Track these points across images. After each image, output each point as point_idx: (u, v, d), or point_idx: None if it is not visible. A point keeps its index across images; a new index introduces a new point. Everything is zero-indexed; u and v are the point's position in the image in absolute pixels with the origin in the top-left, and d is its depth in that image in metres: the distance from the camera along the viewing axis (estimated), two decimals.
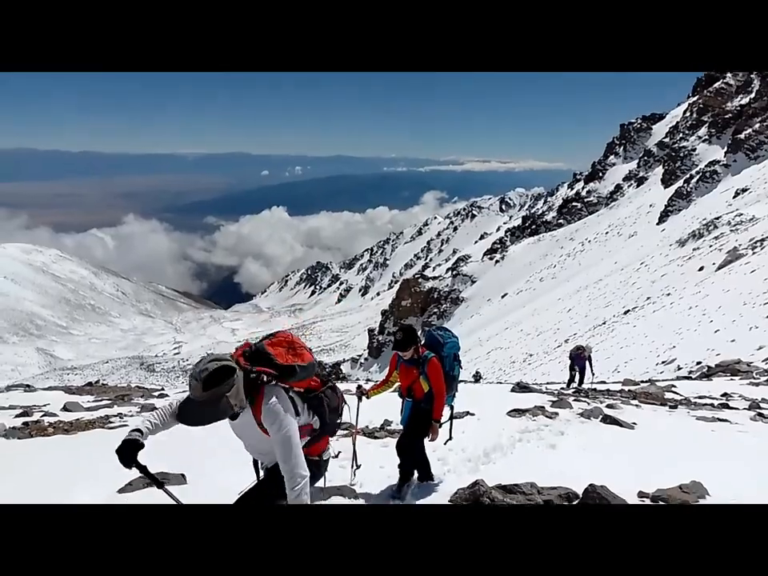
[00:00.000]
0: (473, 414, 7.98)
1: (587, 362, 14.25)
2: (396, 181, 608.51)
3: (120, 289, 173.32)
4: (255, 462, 3.14)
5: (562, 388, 13.08)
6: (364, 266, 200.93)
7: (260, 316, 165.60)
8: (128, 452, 2.52)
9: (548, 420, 7.20)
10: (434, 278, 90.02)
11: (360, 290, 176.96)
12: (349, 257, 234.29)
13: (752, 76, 79.00)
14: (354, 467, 4.87)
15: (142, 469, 2.55)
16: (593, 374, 14.75)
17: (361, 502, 4.42)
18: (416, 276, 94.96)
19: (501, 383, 17.45)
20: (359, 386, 4.78)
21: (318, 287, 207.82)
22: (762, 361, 16.87)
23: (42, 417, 8.37)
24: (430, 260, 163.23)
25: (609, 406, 8.27)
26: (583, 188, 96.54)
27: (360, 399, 4.74)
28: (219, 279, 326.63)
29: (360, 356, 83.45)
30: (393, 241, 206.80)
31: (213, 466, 5.78)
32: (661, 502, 3.80)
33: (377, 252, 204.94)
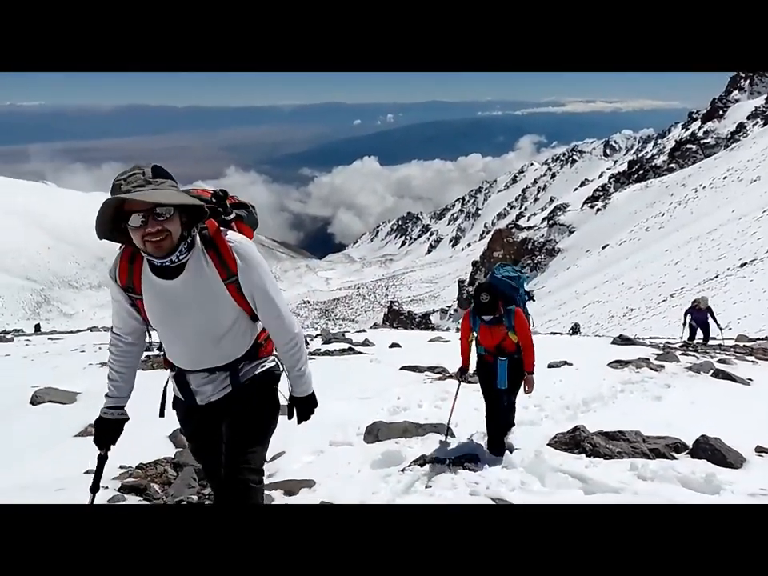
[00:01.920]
0: (570, 364, 7.80)
1: (709, 315, 12.94)
2: (490, 126, 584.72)
3: None
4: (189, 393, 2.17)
5: (681, 345, 12.20)
6: (455, 216, 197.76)
7: (352, 266, 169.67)
8: (110, 434, 2.14)
9: (653, 372, 6.88)
10: (529, 227, 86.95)
11: (450, 241, 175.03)
12: (439, 207, 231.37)
13: None
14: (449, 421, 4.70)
15: (102, 461, 2.14)
16: (720, 328, 13.33)
17: (455, 441, 4.53)
18: (509, 226, 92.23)
19: (599, 336, 16.81)
20: (463, 371, 4.52)
21: (408, 238, 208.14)
22: None
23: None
24: (525, 209, 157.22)
25: (721, 361, 7.74)
26: (700, 128, 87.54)
27: (460, 379, 4.61)
28: (314, 230, 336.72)
29: (449, 307, 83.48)
30: (485, 189, 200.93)
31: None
32: None
33: (468, 201, 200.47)
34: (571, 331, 24.81)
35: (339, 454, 4.33)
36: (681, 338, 13.61)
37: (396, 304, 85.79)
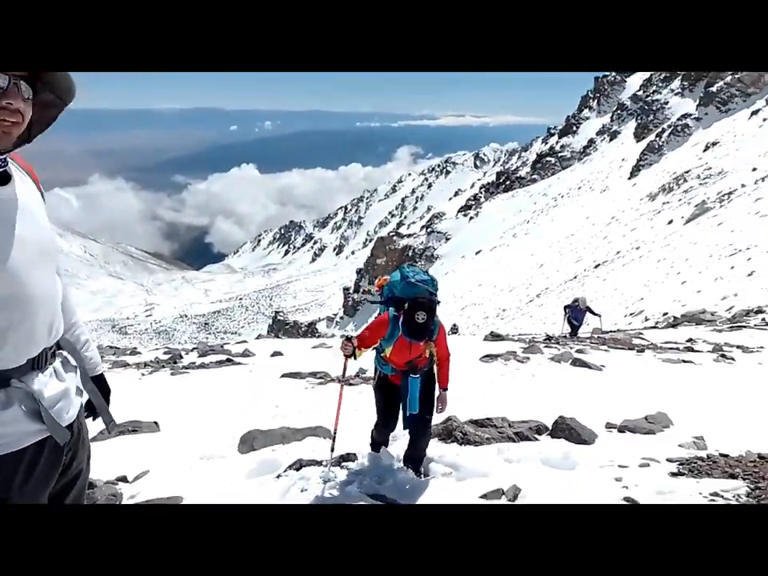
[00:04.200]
0: None
1: (588, 313, 14.25)
2: (370, 136, 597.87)
3: (87, 250, 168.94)
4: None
5: (564, 336, 13.15)
6: (338, 224, 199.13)
7: (233, 276, 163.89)
8: None
9: (519, 364, 7.34)
10: (409, 235, 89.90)
11: (334, 249, 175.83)
12: (323, 215, 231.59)
13: None
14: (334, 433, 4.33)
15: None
16: (599, 316, 14.77)
17: (335, 442, 4.45)
18: (391, 234, 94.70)
19: (474, 335, 17.72)
20: (348, 338, 3.56)
21: (291, 246, 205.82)
22: (726, 310, 17.41)
23: None
24: (405, 217, 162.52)
25: (578, 351, 8.47)
26: (557, 142, 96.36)
27: (348, 358, 3.63)
28: (190, 239, 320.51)
29: (335, 315, 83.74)
30: (367, 198, 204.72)
31: (183, 415, 5.77)
32: (627, 432, 3.92)
33: (351, 210, 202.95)
34: (450, 332, 25.96)
35: (211, 467, 4.07)
36: (561, 333, 14.72)
37: (281, 314, 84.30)
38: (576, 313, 14.06)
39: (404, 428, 3.61)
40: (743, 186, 38.77)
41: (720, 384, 5.97)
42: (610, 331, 14.91)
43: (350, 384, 6.87)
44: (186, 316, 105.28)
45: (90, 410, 1.78)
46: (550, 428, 4.01)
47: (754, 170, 42.28)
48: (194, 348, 14.59)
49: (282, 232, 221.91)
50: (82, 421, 1.63)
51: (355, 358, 3.60)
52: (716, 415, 4.51)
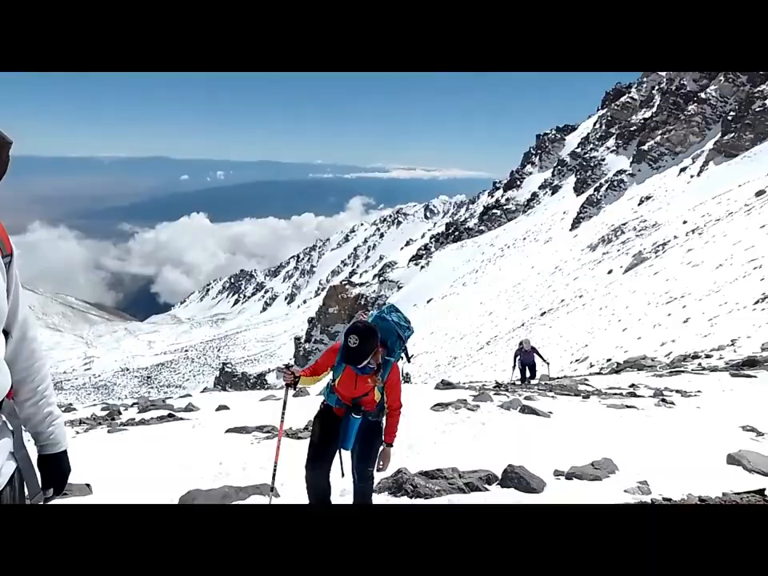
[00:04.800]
0: None
1: (535, 354, 14.48)
2: (322, 187, 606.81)
3: None
4: None
5: (513, 383, 13.27)
6: (290, 273, 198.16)
7: (179, 327, 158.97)
8: None
9: (470, 412, 7.33)
10: (361, 284, 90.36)
11: (286, 298, 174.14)
12: (274, 264, 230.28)
13: (653, 92, 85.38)
14: (275, 469, 4.34)
15: None
16: (547, 363, 14.96)
17: (282, 501, 4.27)
18: (343, 283, 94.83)
19: (425, 384, 17.68)
20: (287, 366, 3.51)
21: (241, 296, 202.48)
22: (665, 355, 18.10)
23: None
24: (357, 266, 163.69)
25: (527, 398, 8.56)
26: (502, 196, 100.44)
27: (289, 386, 3.52)
28: (135, 289, 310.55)
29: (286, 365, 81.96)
30: (319, 248, 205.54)
31: (119, 476, 5.42)
32: (575, 479, 3.93)
33: (303, 259, 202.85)
34: (403, 380, 25.84)
35: None
36: (511, 380, 14.86)
37: (229, 365, 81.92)
38: (524, 356, 14.31)
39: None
40: (675, 237, 41.28)
41: (661, 428, 6.13)
42: (557, 378, 15.21)
43: (299, 438, 6.67)
44: (128, 369, 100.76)
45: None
46: (500, 477, 3.98)
47: (685, 222, 45.18)
48: (135, 403, 13.89)
49: (232, 281, 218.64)
50: (16, 487, 1.50)
51: (294, 388, 3.49)
52: (658, 459, 4.60)
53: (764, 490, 3.22)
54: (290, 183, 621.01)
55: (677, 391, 9.07)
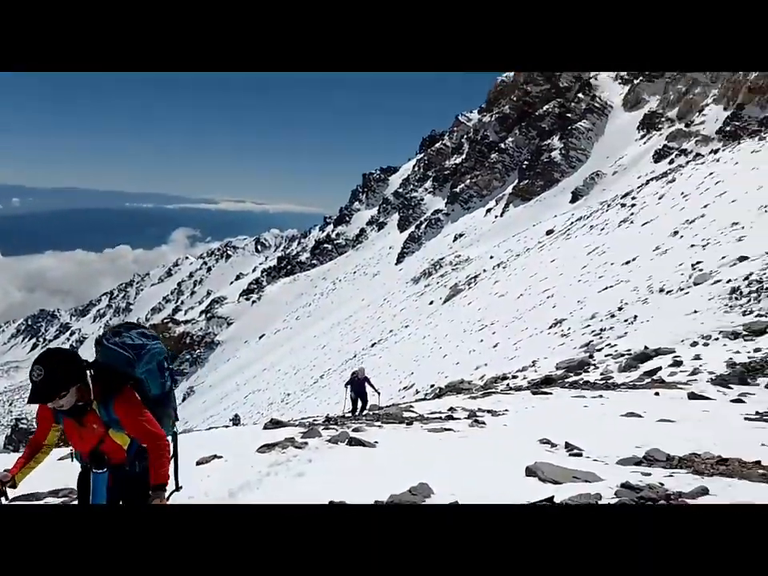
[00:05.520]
0: (220, 457, 7.51)
1: (366, 384, 14.71)
2: (141, 217, 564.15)
3: None
4: None
5: (343, 416, 13.24)
6: (102, 312, 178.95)
7: None
8: None
9: (297, 450, 7.15)
10: (187, 321, 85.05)
11: None
12: (82, 302, 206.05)
13: (463, 140, 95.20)
14: None
15: None
16: (378, 393, 15.29)
17: None
18: (165, 321, 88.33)
19: (255, 424, 17.02)
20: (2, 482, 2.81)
21: (41, 339, 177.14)
22: (479, 378, 19.78)
23: None
24: (182, 303, 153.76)
25: (355, 430, 8.63)
26: (333, 231, 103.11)
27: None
28: None
29: None
30: (137, 283, 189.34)
31: None
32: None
33: (117, 296, 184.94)
34: (231, 423, 24.56)
35: None
36: (343, 412, 14.90)
37: (23, 421, 70.50)
38: (356, 387, 14.60)
39: None
40: (485, 270, 45.98)
41: (473, 447, 6.59)
42: (386, 406, 15.73)
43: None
44: None
45: None
46: None
47: (492, 257, 50.63)
48: None
49: (30, 323, 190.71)
50: None
51: (15, 486, 2.84)
52: (469, 477, 4.91)
53: (553, 497, 3.59)
54: (102, 212, 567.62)
55: (488, 411, 9.89)
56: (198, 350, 76.37)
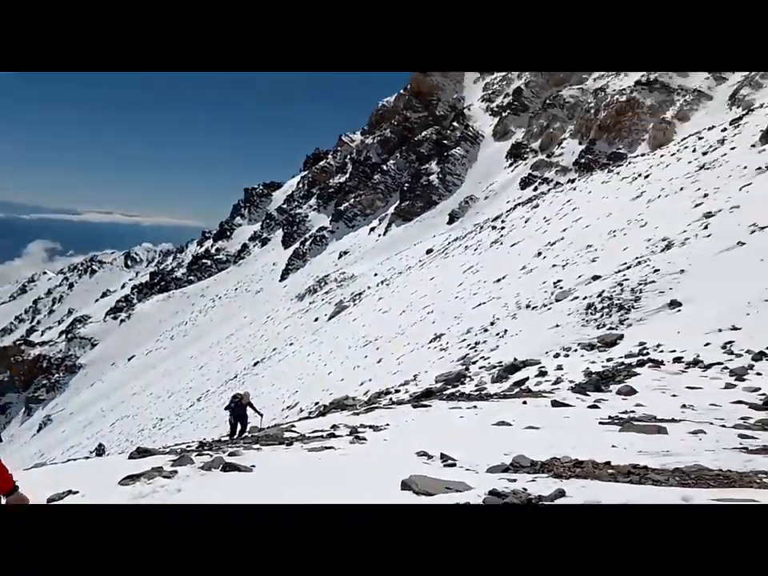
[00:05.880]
0: (75, 492, 6.76)
1: (248, 407, 14.10)
2: None
3: None
4: None
5: (218, 440, 12.48)
6: None
7: None
8: None
9: (165, 480, 6.64)
10: (44, 343, 76.79)
11: None
12: None
13: (347, 160, 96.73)
14: None
15: None
16: (260, 415, 14.75)
17: None
18: (18, 343, 79.12)
19: (122, 453, 15.65)
20: None
21: None
22: (363, 394, 19.93)
23: None
24: (38, 322, 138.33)
25: (231, 454, 8.22)
26: (212, 246, 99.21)
27: None
28: None
29: None
30: None
31: None
32: None
33: None
34: (95, 453, 22.44)
35: None
36: (223, 435, 14.16)
37: None
38: (236, 410, 13.98)
39: None
40: (369, 287, 46.71)
41: (354, 464, 6.56)
42: (268, 428, 15.24)
43: None
44: None
45: None
46: None
47: (376, 275, 51.63)
48: None
49: None
50: None
51: None
52: (346, 495, 4.85)
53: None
54: None
55: (369, 426, 9.93)
56: (57, 375, 69.03)
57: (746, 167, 24.40)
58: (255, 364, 40.68)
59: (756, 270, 15.19)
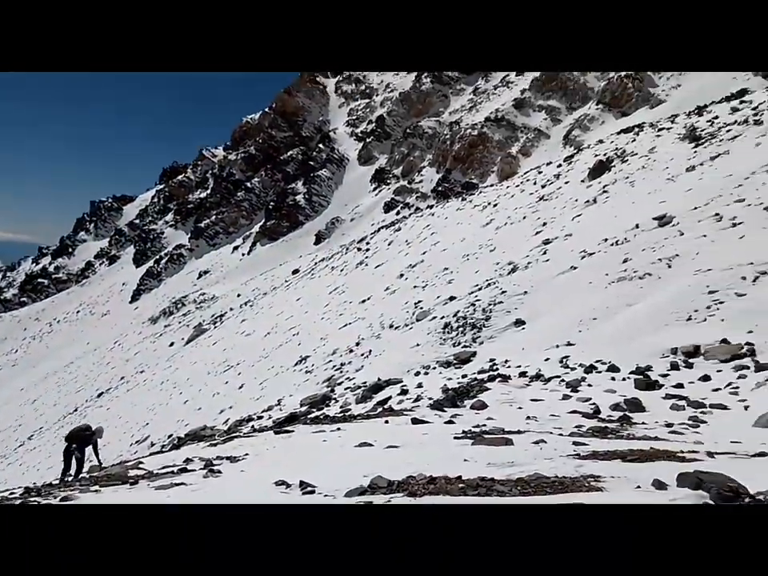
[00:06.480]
0: None
1: (93, 446, 12.45)
2: None
3: None
4: None
5: (49, 485, 10.86)
6: None
7: None
8: None
9: None
10: None
11: None
12: None
13: (208, 175, 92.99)
14: None
15: None
16: (99, 461, 13.05)
17: None
18: None
19: None
20: None
21: None
22: (223, 423, 18.93)
23: None
24: None
25: (63, 499, 7.28)
26: (51, 263, 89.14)
27: None
28: None
29: None
30: None
31: None
32: None
33: None
34: None
35: None
36: (64, 476, 12.45)
37: None
38: (81, 445, 12.46)
39: None
40: (231, 309, 44.91)
41: (205, 501, 6.11)
42: (111, 466, 13.81)
43: None
44: None
45: None
46: None
47: (239, 295, 49.81)
48: None
49: None
50: None
51: None
52: None
53: None
54: None
55: (227, 458, 9.39)
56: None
57: (576, 200, 27.66)
58: (99, 395, 37.00)
59: (586, 291, 17.14)
